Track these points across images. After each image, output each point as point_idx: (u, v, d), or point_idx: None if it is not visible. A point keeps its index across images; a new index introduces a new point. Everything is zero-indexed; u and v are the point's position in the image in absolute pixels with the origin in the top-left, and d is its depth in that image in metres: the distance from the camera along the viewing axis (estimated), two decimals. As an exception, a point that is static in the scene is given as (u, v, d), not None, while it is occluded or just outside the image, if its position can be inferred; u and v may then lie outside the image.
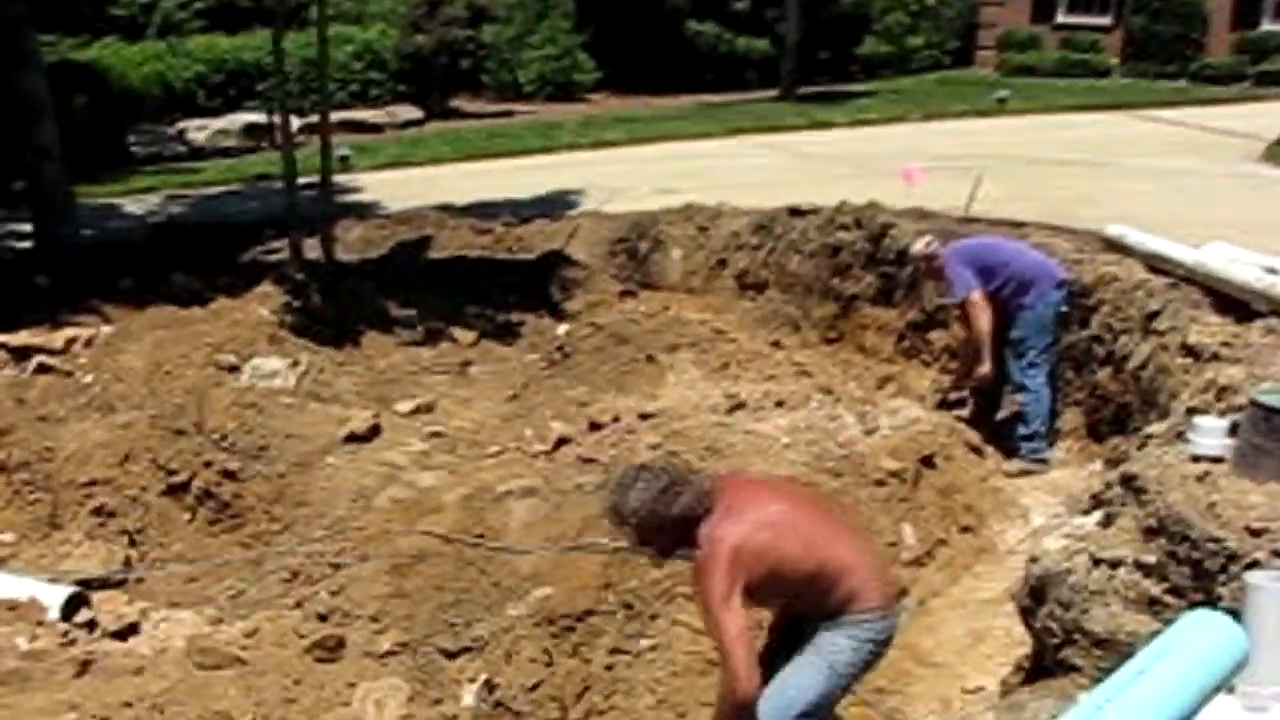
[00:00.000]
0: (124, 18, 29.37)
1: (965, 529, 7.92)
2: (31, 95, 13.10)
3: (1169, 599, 5.23)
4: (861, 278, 11.95)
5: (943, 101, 23.37)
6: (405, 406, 8.79)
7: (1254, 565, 4.96)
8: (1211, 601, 5.08)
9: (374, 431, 8.33)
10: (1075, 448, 9.26)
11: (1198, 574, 5.12)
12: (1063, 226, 11.32)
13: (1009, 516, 8.25)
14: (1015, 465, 8.98)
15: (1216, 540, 5.06)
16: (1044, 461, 9.01)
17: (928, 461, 8.01)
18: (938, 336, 10.94)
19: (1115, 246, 9.82)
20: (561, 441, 8.08)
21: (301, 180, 19.65)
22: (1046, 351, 8.97)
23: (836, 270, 12.13)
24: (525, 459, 7.98)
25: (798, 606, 4.87)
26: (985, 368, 9.05)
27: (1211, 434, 5.46)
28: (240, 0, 28.25)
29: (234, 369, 9.12)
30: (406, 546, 6.98)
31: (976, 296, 8.95)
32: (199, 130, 24.65)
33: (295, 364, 9.12)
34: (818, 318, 11.95)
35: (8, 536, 8.52)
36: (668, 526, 4.74)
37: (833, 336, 11.82)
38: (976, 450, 8.71)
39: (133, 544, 8.22)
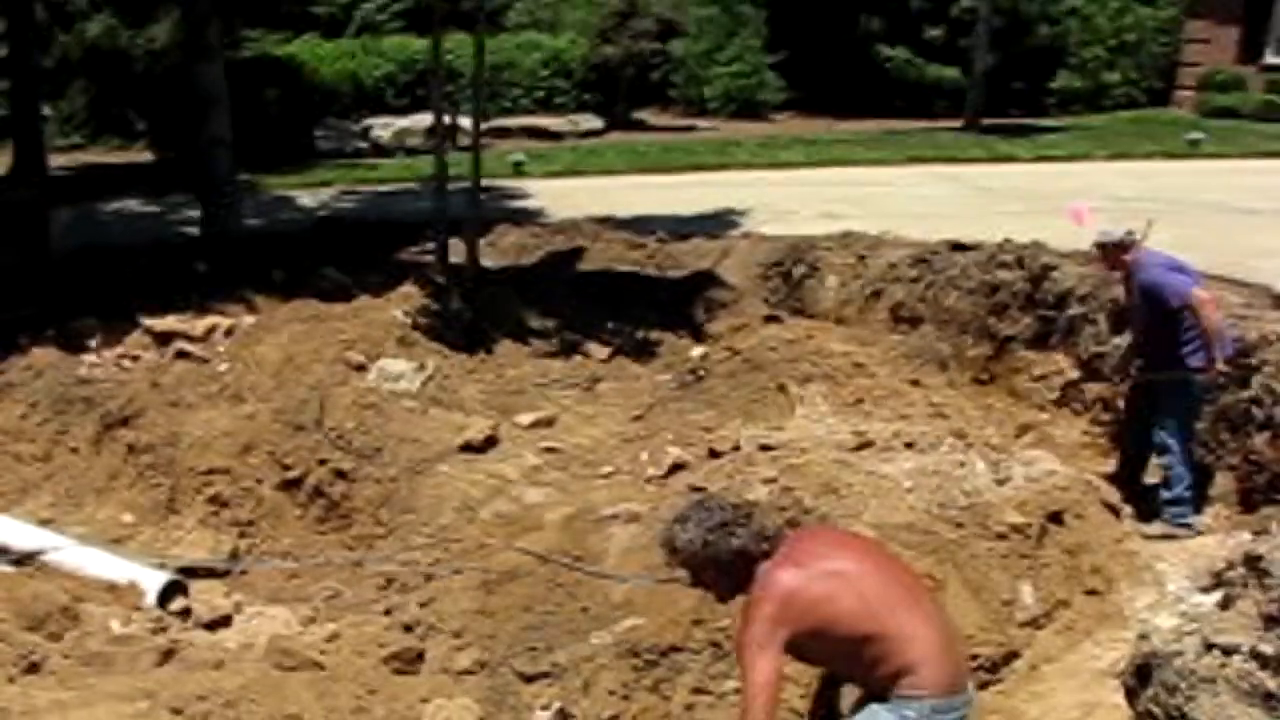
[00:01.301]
0: (326, 15, 30.15)
1: (1091, 592, 7.44)
2: (209, 86, 13.39)
3: (1284, 695, 4.80)
4: (1019, 319, 11.51)
5: (1133, 141, 22.46)
6: (526, 419, 8.67)
7: (1378, 669, 4.53)
8: (1330, 703, 4.66)
9: (490, 442, 8.24)
10: (1224, 515, 8.72)
11: (1317, 672, 4.69)
12: (1235, 279, 10.71)
13: (1142, 582, 7.74)
14: (1157, 528, 8.47)
15: (1340, 637, 4.63)
16: (1188, 527, 8.48)
17: (1056, 518, 7.56)
18: (1092, 387, 10.46)
19: (1286, 304, 9.25)
20: (676, 467, 7.86)
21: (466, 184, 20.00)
22: (1194, 414, 8.46)
23: (994, 310, 11.70)
24: (637, 483, 7.78)
25: (845, 673, 4.55)
26: (1219, 365, 8.41)
27: (1346, 518, 5.00)
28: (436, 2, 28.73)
29: (361, 368, 9.11)
30: (501, 563, 6.84)
31: (1200, 290, 8.38)
32: (384, 128, 25.03)
33: (421, 367, 9.08)
34: (971, 357, 11.53)
35: (128, 517, 8.65)
36: (722, 564, 4.49)
37: (984, 378, 11.39)
38: (1113, 509, 8.20)
39: (244, 535, 8.28)
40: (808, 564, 4.40)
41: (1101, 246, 8.85)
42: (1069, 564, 7.47)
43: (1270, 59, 26.56)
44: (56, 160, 26.13)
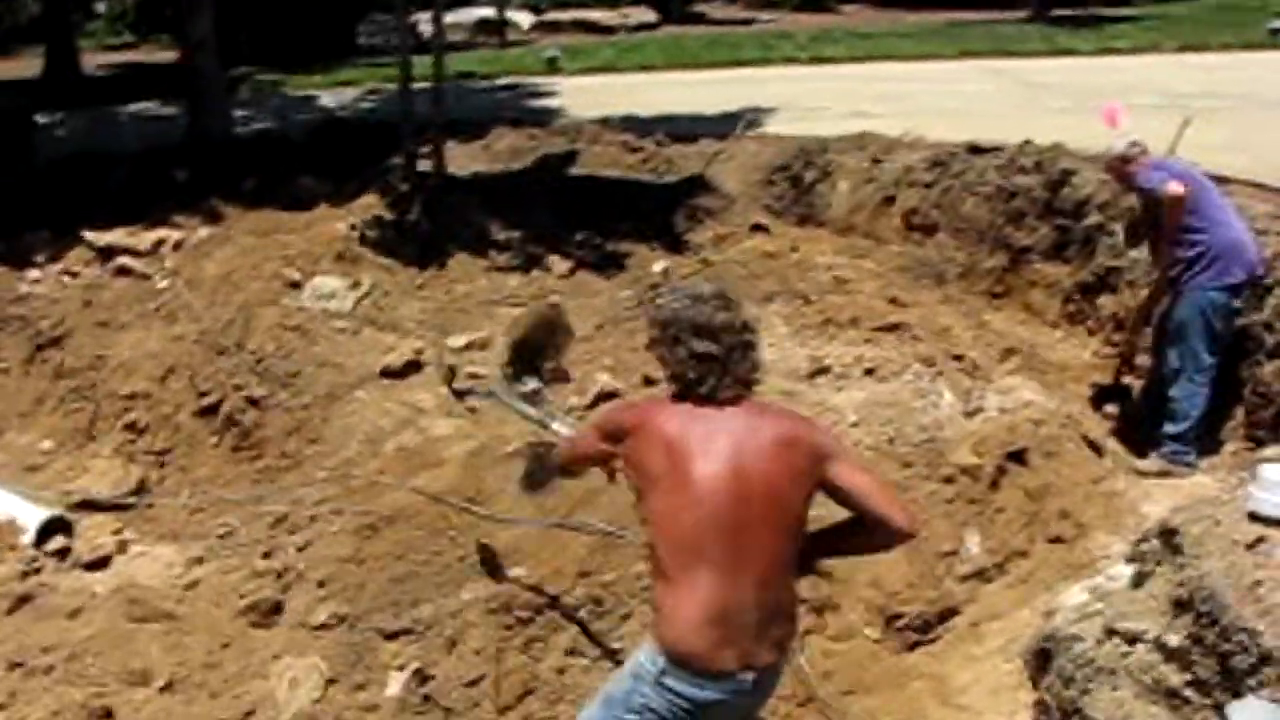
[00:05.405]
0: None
1: (1056, 539, 6.69)
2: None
3: (1190, 694, 4.08)
4: (1036, 228, 10.61)
5: (1208, 31, 21.04)
6: (459, 340, 8.04)
7: (1287, 672, 3.79)
8: (1236, 705, 3.93)
9: (412, 367, 7.63)
10: (1229, 450, 7.88)
11: (1224, 669, 3.96)
12: (1272, 185, 9.71)
13: (1122, 527, 6.93)
14: (1154, 464, 7.65)
15: (1249, 632, 3.88)
16: (1189, 466, 7.65)
17: (1019, 457, 6.81)
18: (1106, 302, 9.60)
19: (1315, 214, 8.28)
20: (604, 396, 7.21)
21: (505, 81, 19.26)
22: (1211, 342, 7.57)
23: (1010, 217, 10.81)
24: (558, 413, 7.14)
25: None
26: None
27: (1274, 489, 4.19)
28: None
29: (297, 285, 8.52)
30: (388, 504, 6.25)
31: (1174, 185, 7.55)
32: (431, 23, 24.25)
33: (356, 285, 8.47)
34: (986, 269, 10.68)
35: (47, 444, 8.20)
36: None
37: (999, 291, 10.55)
38: (1095, 446, 7.39)
39: (161, 464, 7.79)
40: (671, 419, 3.72)
41: (1109, 162, 8.12)
42: (1030, 509, 6.72)
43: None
44: (99, 60, 25.90)
